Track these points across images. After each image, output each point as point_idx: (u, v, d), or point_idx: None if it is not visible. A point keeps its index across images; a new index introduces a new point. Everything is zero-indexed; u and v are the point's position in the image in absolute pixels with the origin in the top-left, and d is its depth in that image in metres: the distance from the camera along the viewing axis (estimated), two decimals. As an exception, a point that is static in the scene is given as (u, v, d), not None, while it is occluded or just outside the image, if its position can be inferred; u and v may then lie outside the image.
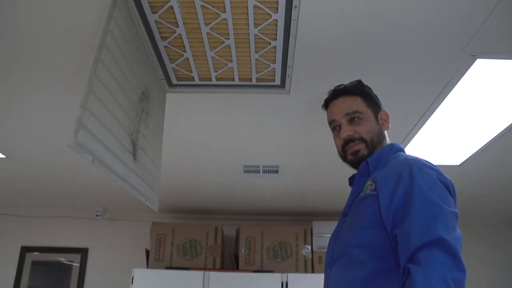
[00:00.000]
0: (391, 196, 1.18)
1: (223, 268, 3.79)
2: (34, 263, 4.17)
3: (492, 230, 4.26)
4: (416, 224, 1.09)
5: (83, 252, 4.18)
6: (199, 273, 3.46)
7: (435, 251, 1.03)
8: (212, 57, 1.79)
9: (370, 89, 1.49)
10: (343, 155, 1.43)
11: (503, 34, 1.64)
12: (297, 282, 3.46)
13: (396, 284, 1.09)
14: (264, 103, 2.24)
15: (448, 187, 1.19)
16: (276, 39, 1.68)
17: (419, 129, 2.43)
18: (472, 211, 3.96)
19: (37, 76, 2.00)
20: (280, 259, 3.71)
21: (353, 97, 1.43)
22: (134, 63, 1.58)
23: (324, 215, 4.04)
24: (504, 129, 2.35)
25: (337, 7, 1.54)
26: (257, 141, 2.71)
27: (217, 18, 1.56)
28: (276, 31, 1.63)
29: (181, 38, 1.68)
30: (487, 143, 2.54)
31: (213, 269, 3.62)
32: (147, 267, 3.67)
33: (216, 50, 1.75)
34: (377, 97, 1.49)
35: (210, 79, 1.95)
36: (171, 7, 1.51)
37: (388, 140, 1.44)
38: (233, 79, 1.94)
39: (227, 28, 1.62)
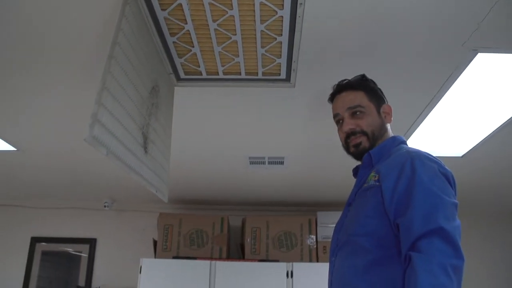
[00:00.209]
0: (394, 187, 1.22)
1: (229, 257, 3.84)
2: (44, 253, 4.23)
3: (493, 220, 4.28)
4: (417, 214, 1.13)
5: (91, 243, 4.23)
6: (206, 263, 3.51)
7: (435, 240, 1.09)
8: (219, 52, 1.83)
9: (374, 83, 1.52)
10: (346, 147, 1.47)
11: (504, 29, 1.68)
12: (302, 271, 3.50)
13: (398, 270, 1.14)
14: (270, 96, 2.28)
15: (449, 179, 1.23)
16: (281, 34, 1.71)
17: (421, 122, 2.46)
18: (474, 202, 3.99)
19: (49, 73, 2.04)
20: (285, 249, 3.75)
21: (356, 92, 1.46)
22: (144, 59, 1.63)
23: (328, 205, 4.08)
24: (505, 122, 2.38)
25: (342, 3, 1.58)
26: (262, 133, 2.74)
27: (225, 15, 1.60)
28: (282, 27, 1.67)
29: (189, 34, 1.72)
30: (489, 135, 2.57)
31: (220, 258, 3.67)
32: (155, 257, 3.72)
33: (223, 45, 1.79)
34: (381, 91, 1.52)
35: (217, 73, 1.99)
36: (180, 5, 1.56)
37: (390, 133, 1.47)
38: (240, 73, 1.99)
39: (234, 25, 1.66)
